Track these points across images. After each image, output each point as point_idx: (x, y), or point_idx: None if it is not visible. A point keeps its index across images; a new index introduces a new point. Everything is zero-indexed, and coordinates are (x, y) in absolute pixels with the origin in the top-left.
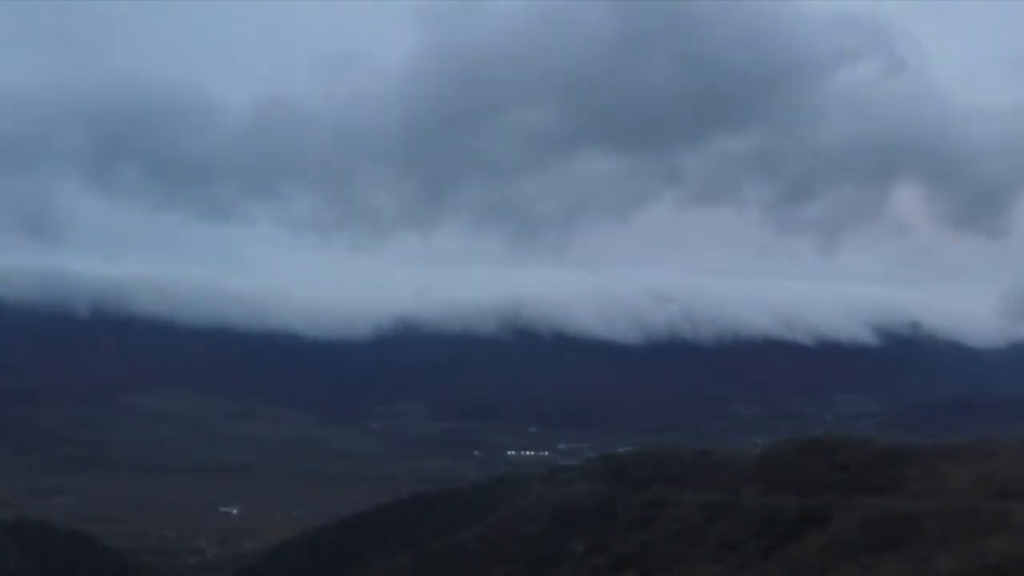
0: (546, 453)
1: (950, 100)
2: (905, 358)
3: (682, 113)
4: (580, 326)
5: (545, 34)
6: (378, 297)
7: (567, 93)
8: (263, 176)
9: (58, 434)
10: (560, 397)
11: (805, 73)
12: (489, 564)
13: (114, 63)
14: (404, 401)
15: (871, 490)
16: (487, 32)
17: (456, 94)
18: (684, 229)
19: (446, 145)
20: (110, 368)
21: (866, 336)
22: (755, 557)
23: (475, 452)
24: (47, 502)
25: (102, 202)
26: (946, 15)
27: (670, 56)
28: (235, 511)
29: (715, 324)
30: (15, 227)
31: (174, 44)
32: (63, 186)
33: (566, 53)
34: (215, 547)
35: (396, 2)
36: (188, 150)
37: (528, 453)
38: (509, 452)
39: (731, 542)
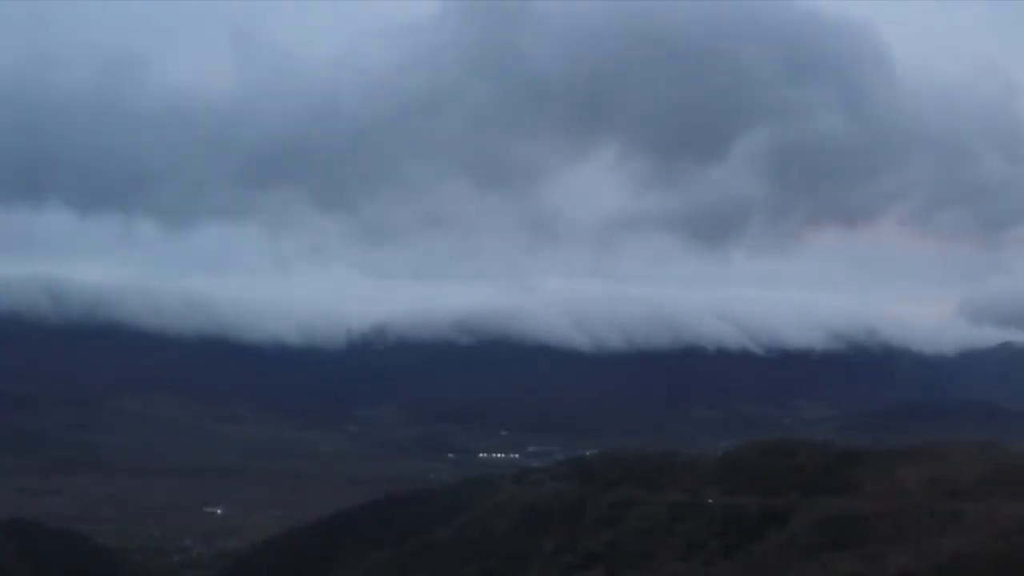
0: (516, 455)
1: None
2: (861, 365)
3: (642, 124)
4: (549, 335)
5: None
6: (356, 307)
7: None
8: (246, 188)
9: (51, 437)
10: (530, 402)
11: (762, 83)
12: (462, 561)
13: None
14: (380, 406)
15: (828, 491)
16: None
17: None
18: (650, 241)
19: (420, 160)
20: (100, 374)
21: (823, 343)
22: (718, 555)
23: (449, 454)
24: (40, 502)
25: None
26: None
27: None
28: (219, 511)
29: (678, 332)
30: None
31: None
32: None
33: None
34: (200, 545)
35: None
36: (174, 158)
37: (499, 455)
38: (481, 454)
39: (695, 541)
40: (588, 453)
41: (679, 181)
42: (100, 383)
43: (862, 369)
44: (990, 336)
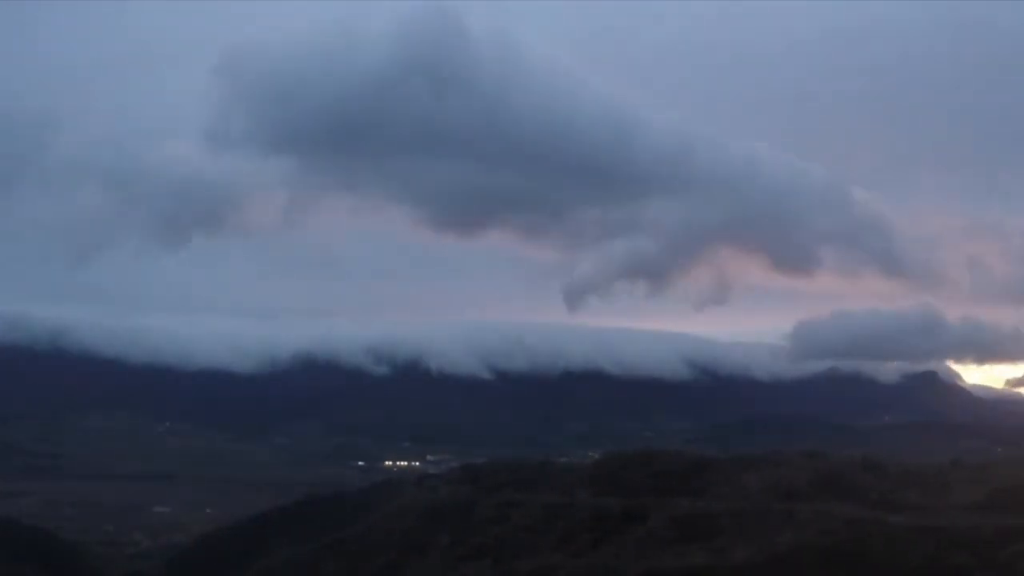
0: (417, 463)
1: None
2: (710, 387)
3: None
4: (445, 362)
5: None
6: (282, 338)
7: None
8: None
9: (21, 448)
10: (428, 419)
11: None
12: (370, 554)
13: None
14: (302, 421)
15: (681, 493)
16: None
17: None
18: (529, 281)
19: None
20: (64, 394)
21: (679, 369)
22: (587, 547)
23: (359, 462)
24: (12, 503)
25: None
26: None
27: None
28: (165, 510)
29: (552, 360)
30: None
31: None
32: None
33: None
34: (148, 540)
35: None
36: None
37: (402, 463)
38: (387, 463)
39: (567, 535)
40: (477, 462)
41: None
42: (65, 402)
43: (711, 390)
44: (818, 363)
